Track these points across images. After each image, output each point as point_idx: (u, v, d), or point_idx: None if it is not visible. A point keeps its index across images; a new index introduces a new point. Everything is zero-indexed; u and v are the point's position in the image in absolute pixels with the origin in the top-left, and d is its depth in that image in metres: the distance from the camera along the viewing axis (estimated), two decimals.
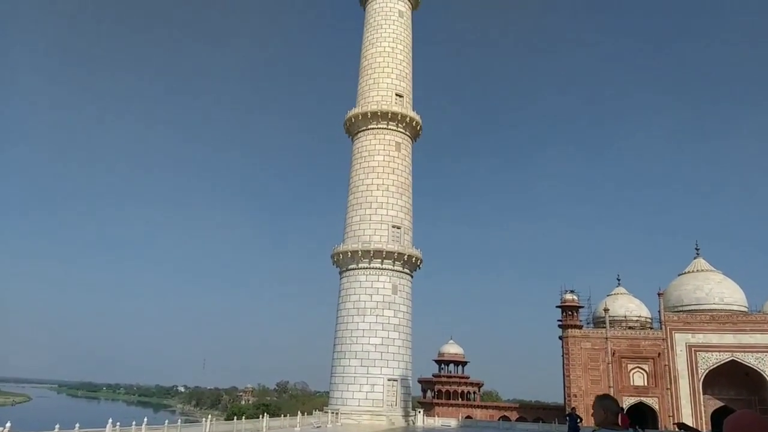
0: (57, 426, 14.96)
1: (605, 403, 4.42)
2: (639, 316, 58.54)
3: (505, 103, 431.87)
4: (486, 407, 66.37)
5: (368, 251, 39.26)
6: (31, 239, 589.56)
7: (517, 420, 56.86)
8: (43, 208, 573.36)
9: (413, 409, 41.76)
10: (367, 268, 39.51)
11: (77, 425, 15.68)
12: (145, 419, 18.22)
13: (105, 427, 16.08)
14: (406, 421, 37.92)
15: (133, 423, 17.74)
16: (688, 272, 59.54)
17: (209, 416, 23.31)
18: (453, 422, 41.15)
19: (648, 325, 57.27)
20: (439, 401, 66.38)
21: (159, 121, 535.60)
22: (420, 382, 71.33)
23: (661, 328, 53.74)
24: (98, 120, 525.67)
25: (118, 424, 16.67)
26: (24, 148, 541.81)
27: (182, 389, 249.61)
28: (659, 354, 52.74)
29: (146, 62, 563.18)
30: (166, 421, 20.28)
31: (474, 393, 71.80)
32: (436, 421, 41.34)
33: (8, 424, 12.85)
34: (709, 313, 53.57)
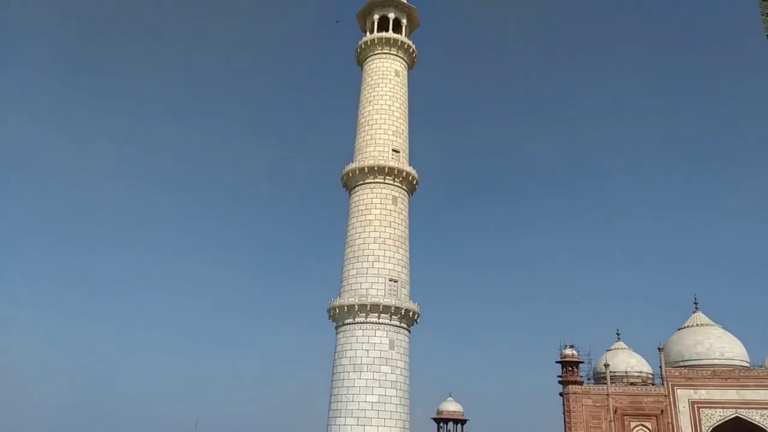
0: None
1: None
2: (640, 372, 57.55)
3: (502, 155, 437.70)
4: None
5: (365, 305, 38.93)
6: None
7: None
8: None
9: None
10: (363, 323, 39.08)
11: None
12: None
13: None
14: None
15: None
16: (688, 326, 59.03)
17: None
18: None
19: (650, 381, 56.22)
20: None
21: (158, 185, 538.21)
22: None
23: (662, 384, 52.75)
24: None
25: None
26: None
27: None
28: (662, 411, 51.55)
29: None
30: None
31: None
32: None
33: None
34: (711, 369, 52.77)
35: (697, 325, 58.70)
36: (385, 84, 47.33)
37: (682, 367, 54.68)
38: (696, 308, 60.81)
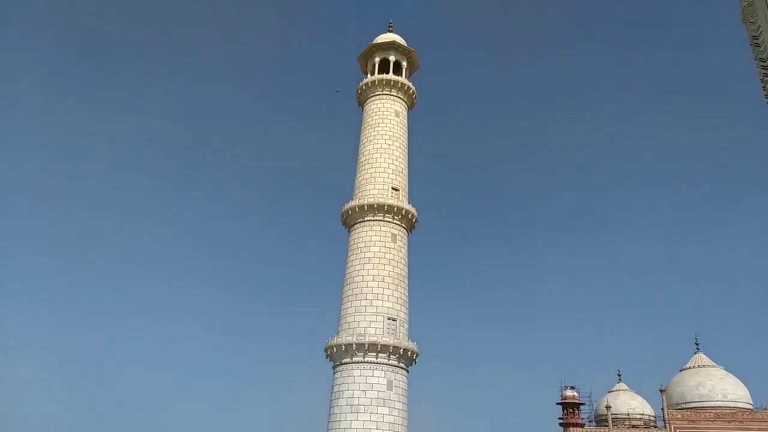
0: None
1: None
2: (642, 414, 56.73)
3: (499, 197, 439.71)
4: None
5: (363, 344, 38.60)
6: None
7: None
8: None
9: None
10: (361, 362, 38.66)
11: None
12: None
13: None
14: None
15: None
16: (690, 368, 58.48)
17: None
18: None
19: (652, 424, 55.39)
20: None
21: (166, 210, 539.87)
22: None
23: (665, 427, 51.98)
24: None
25: None
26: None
27: None
28: None
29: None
30: None
31: None
32: None
33: None
34: (713, 411, 52.08)
35: (698, 366, 58.17)
36: (385, 124, 48.08)
37: (684, 409, 53.94)
38: (697, 349, 60.35)
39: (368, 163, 46.44)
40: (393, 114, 48.81)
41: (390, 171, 45.88)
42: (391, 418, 37.59)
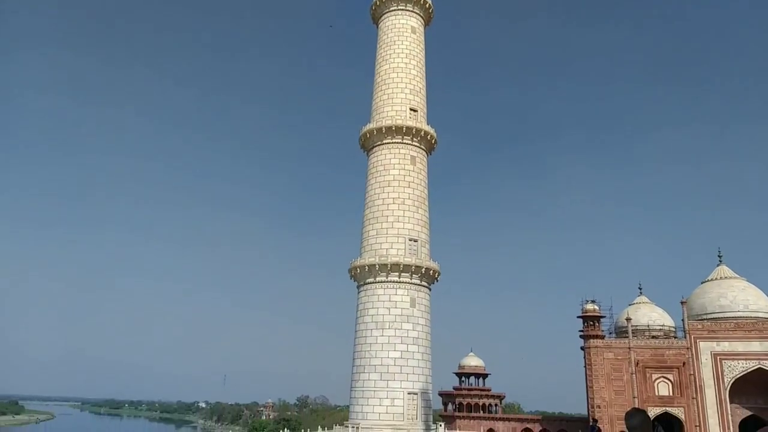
0: None
1: (628, 423, 4.47)
2: (662, 326, 57.67)
3: (522, 114, 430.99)
4: (508, 420, 65.63)
5: (385, 265, 39.40)
6: (53, 256, 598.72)
7: None
8: (64, 225, 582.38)
9: (434, 422, 41.57)
10: (384, 282, 39.64)
11: None
12: None
13: None
14: None
15: None
16: (711, 280, 58.64)
17: None
18: None
19: (672, 335, 56.38)
20: (460, 414, 65.84)
21: (180, 143, 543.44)
22: (440, 395, 70.83)
23: (685, 337, 52.89)
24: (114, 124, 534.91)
25: None
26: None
27: (203, 405, 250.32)
28: (684, 363, 51.85)
29: (166, 72, 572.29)
30: None
31: (495, 405, 71.09)
32: None
33: None
34: (734, 321, 52.65)
35: (721, 278, 58.24)
36: (402, 41, 46.51)
37: (705, 320, 54.61)
38: (720, 261, 60.22)
39: (385, 84, 45.41)
40: (409, 30, 47.09)
41: (408, 91, 44.87)
42: (415, 333, 38.94)
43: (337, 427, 37.18)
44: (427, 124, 44.49)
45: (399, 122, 42.88)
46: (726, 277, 58.02)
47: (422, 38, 48.05)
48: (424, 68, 47.09)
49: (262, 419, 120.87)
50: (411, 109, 44.25)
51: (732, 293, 55.75)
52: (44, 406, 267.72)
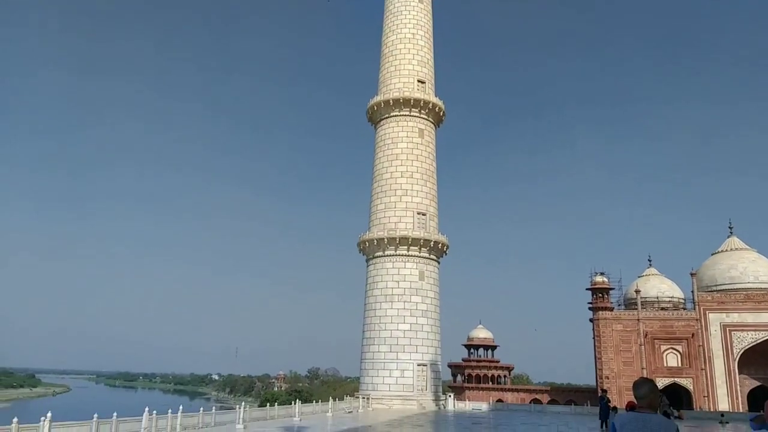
0: (95, 415, 15.44)
1: (636, 393, 4.44)
2: (671, 297, 57.67)
3: (533, 86, 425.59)
4: (517, 390, 66.32)
5: (394, 238, 39.38)
6: (65, 231, 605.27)
7: (549, 403, 56.75)
8: (75, 200, 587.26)
9: (443, 393, 41.98)
10: (393, 256, 39.67)
11: (115, 414, 16.15)
12: (181, 407, 18.64)
13: (142, 415, 16.53)
14: (436, 405, 38.19)
15: (170, 411, 18.19)
16: (722, 251, 58.34)
17: (243, 403, 23.79)
18: (484, 406, 41.27)
19: (681, 306, 56.40)
20: (470, 385, 66.57)
21: (191, 111, 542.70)
22: (450, 366, 71.56)
23: (694, 309, 52.89)
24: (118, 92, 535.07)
25: (154, 412, 17.12)
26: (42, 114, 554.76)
27: (216, 377, 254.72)
28: (693, 334, 51.95)
29: (176, 46, 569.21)
30: (201, 409, 20.70)
31: (504, 377, 71.79)
32: (466, 405, 41.47)
33: (49, 414, 13.32)
34: (744, 292, 52.52)
35: (731, 249, 57.94)
36: (409, 11, 45.66)
37: (714, 291, 54.47)
38: (731, 232, 59.83)
39: (392, 55, 44.75)
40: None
41: (415, 62, 44.22)
42: (424, 306, 39.10)
43: (348, 397, 37.63)
44: (436, 96, 43.95)
45: (406, 94, 42.37)
46: (737, 249, 57.69)
47: (430, 8, 47.16)
48: (432, 39, 46.32)
49: (273, 390, 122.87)
50: (419, 81, 43.67)
51: (742, 264, 55.49)
52: (60, 379, 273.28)
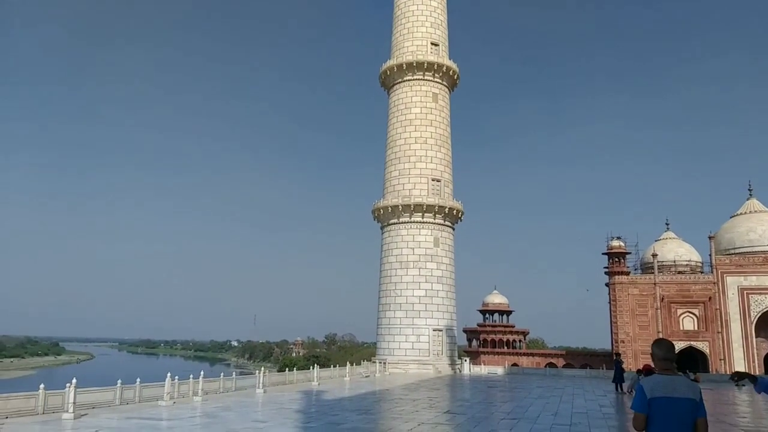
0: (119, 381, 15.77)
1: (654, 351, 4.47)
2: (689, 261, 57.19)
3: (545, 48, 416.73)
4: (532, 355, 66.79)
5: (408, 205, 39.27)
6: (84, 201, 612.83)
7: (564, 367, 57.11)
8: (95, 169, 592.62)
9: (459, 358, 42.38)
10: (408, 222, 39.62)
11: (138, 380, 16.49)
12: (202, 372, 18.97)
13: (164, 381, 16.85)
14: (452, 369, 38.60)
15: (191, 376, 18.52)
16: (741, 214, 57.49)
17: (262, 368, 24.18)
18: (499, 370, 41.64)
19: (698, 270, 55.97)
20: (485, 350, 67.12)
21: (208, 82, 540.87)
22: (465, 331, 72.13)
23: (712, 272, 52.47)
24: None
25: (176, 377, 17.43)
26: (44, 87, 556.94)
27: (235, 344, 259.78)
28: (710, 298, 51.66)
29: (193, 41, 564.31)
30: (222, 374, 21.08)
31: (520, 341, 72.24)
32: (482, 370, 41.87)
33: (74, 381, 13.61)
34: (763, 255, 51.90)
35: (750, 212, 57.08)
36: None
37: (733, 254, 53.90)
38: (750, 195, 58.85)
39: (405, 17, 43.84)
40: None
41: (428, 24, 43.31)
42: (439, 272, 39.20)
43: (365, 362, 38.14)
44: (450, 59, 43.14)
45: (420, 57, 41.64)
46: (756, 211, 56.82)
47: None
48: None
49: (292, 356, 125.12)
50: (432, 44, 42.84)
51: (762, 227, 54.71)
52: (83, 347, 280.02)
